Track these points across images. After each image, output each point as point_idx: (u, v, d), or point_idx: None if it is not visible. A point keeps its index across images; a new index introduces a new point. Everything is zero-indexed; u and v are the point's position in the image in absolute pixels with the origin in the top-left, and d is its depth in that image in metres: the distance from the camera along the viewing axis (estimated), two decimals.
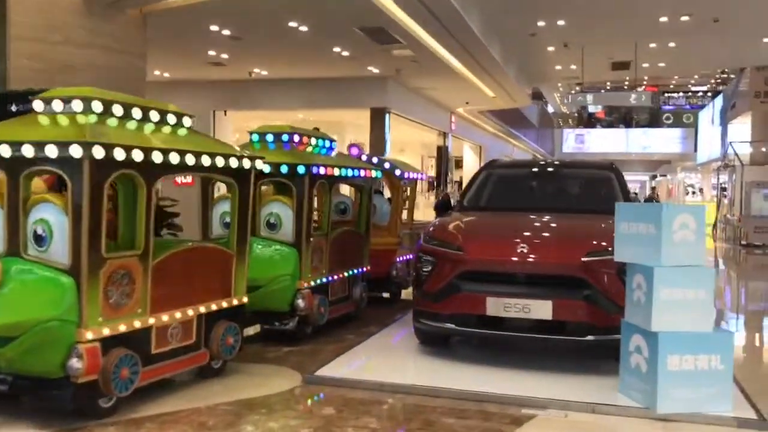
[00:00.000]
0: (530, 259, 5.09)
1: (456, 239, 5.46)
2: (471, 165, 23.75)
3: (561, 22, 11.29)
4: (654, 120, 44.32)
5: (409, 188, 9.20)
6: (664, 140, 41.26)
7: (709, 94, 39.59)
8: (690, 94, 46.10)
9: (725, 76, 30.86)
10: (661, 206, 4.40)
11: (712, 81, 37.21)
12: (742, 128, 25.89)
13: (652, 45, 12.78)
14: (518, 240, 5.22)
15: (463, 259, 5.23)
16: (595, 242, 5.08)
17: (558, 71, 14.75)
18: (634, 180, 63.47)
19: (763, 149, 23.10)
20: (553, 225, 5.70)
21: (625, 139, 42.68)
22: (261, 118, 9.82)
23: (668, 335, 4.19)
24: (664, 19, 10.91)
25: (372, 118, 13.68)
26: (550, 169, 7.29)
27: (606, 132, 43.87)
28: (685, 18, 10.81)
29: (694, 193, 37.03)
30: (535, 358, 5.50)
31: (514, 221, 5.83)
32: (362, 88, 13.58)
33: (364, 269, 7.34)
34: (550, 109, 48.83)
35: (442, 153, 18.42)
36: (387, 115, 13.70)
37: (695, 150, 36.36)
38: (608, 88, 49.61)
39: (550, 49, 13.42)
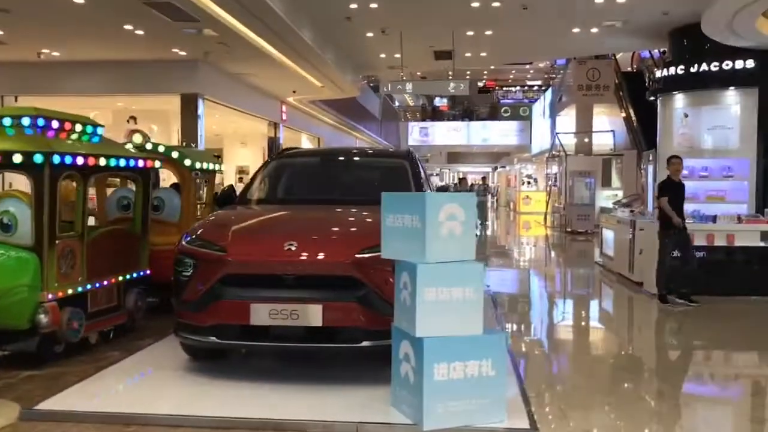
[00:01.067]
0: (298, 259, 4.48)
1: (220, 238, 4.73)
2: None
3: (373, 5, 10.84)
4: (494, 113, 45.92)
5: (206, 181, 8.36)
6: (502, 133, 42.73)
7: (543, 87, 41.47)
8: (526, 88, 48.28)
9: (557, 70, 32.36)
10: (425, 196, 3.91)
11: (545, 75, 39.16)
12: (568, 120, 27.28)
13: (470, 33, 12.68)
14: (287, 237, 4.59)
15: (225, 261, 4.54)
16: (370, 237, 4.53)
17: (383, 60, 14.38)
18: (478, 171, 66.13)
19: (586, 140, 24.33)
20: (330, 219, 5.11)
21: (467, 132, 43.78)
22: (69, 105, 8.52)
23: (434, 341, 3.72)
24: (476, 4, 10.75)
25: (183, 105, 12.61)
26: (341, 159, 6.74)
27: (449, 125, 44.81)
28: (496, 4, 10.71)
29: (530, 183, 38.65)
30: (321, 372, 4.90)
31: (288, 216, 5.21)
32: (170, 71, 12.49)
33: (143, 273, 6.45)
34: (397, 102, 49.41)
35: (271, 145, 17.60)
36: (200, 102, 12.70)
37: (530, 142, 38.03)
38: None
39: (369, 35, 12.98)
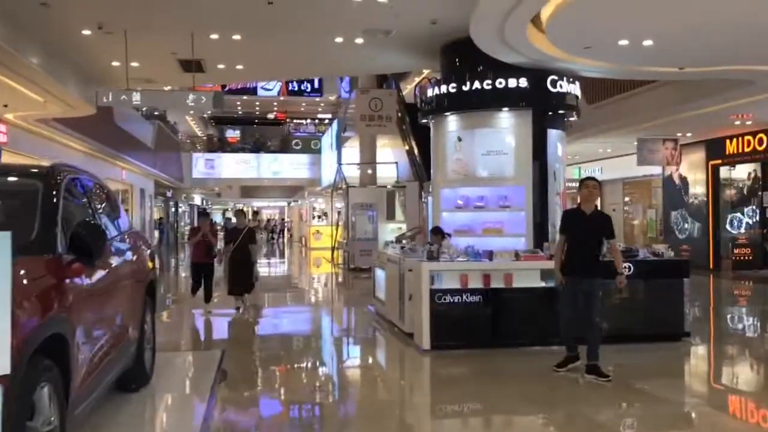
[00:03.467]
0: None
1: None
2: None
3: None
4: (285, 146, 44.20)
5: None
6: (293, 166, 41.11)
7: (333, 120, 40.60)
8: (317, 121, 47.23)
9: (344, 103, 31.35)
10: None
11: (336, 108, 38.29)
12: (354, 152, 26.15)
13: (214, 36, 10.49)
14: None
15: None
16: None
17: (119, 69, 11.72)
18: (273, 206, 63.99)
19: (369, 171, 23.14)
20: None
21: (257, 165, 41.57)
22: None
23: None
24: None
25: None
26: None
27: (237, 157, 42.21)
28: None
29: (320, 217, 37.21)
30: None
31: None
32: None
33: None
34: (180, 132, 45.88)
35: None
36: None
37: (321, 175, 36.68)
38: (240, 113, 48.85)
39: (86, 32, 10.32)
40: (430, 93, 10.81)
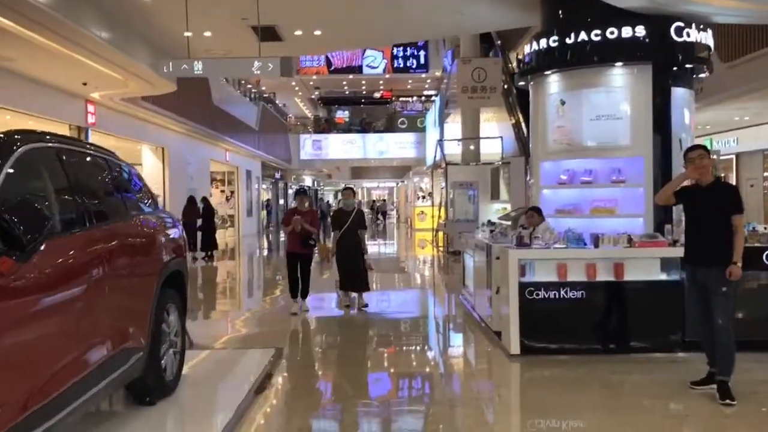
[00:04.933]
0: None
1: None
2: (152, 171, 19.40)
3: None
4: (391, 125, 43.26)
5: None
6: (399, 145, 40.18)
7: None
8: (424, 98, 45.92)
9: (447, 76, 29.92)
10: None
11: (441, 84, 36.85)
12: (456, 127, 24.65)
13: None
14: None
15: None
16: None
17: (194, 41, 10.92)
18: (383, 186, 63.45)
19: (472, 147, 21.61)
20: None
21: (363, 145, 40.96)
22: None
23: None
24: None
25: None
26: None
27: (343, 137, 41.73)
28: None
29: (424, 197, 36.02)
30: None
31: None
32: None
33: None
34: (291, 112, 46.08)
35: None
36: None
37: (426, 153, 35.51)
38: (347, 92, 48.41)
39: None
40: (527, 49, 9.25)
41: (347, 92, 48.23)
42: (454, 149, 23.14)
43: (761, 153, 21.39)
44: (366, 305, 9.54)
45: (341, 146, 41.11)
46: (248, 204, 31.02)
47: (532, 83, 9.61)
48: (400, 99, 46.41)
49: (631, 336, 6.55)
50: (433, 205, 27.08)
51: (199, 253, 18.20)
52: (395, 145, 40.45)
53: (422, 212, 33.94)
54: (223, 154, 27.23)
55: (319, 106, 52.19)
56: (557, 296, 6.48)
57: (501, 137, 21.16)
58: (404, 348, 7.75)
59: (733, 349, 5.18)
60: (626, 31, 8.40)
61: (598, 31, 8.48)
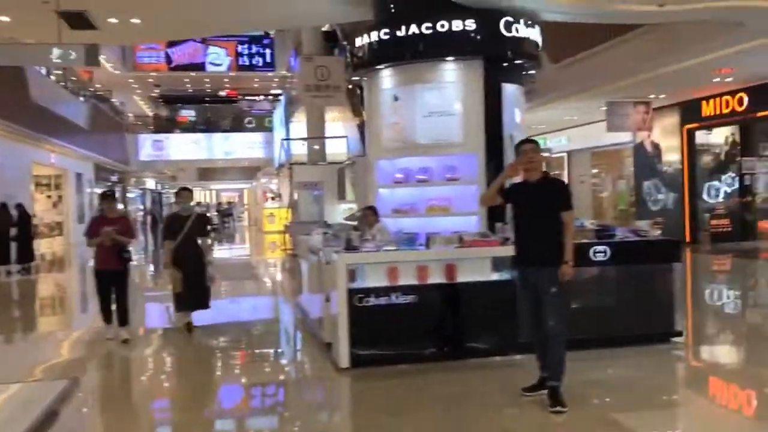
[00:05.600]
0: None
1: None
2: None
3: None
4: (238, 125, 41.84)
5: None
6: (247, 145, 38.98)
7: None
8: (272, 97, 44.87)
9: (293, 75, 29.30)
10: None
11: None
12: (302, 126, 24.08)
13: None
14: None
15: None
16: None
17: None
18: (232, 188, 61.55)
19: (316, 147, 21.12)
20: None
21: (208, 145, 39.32)
22: None
23: None
24: None
25: None
26: None
27: (187, 137, 39.79)
28: None
29: (273, 198, 35.15)
30: None
31: None
32: None
33: None
34: (131, 111, 43.36)
35: None
36: None
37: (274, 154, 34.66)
38: (190, 91, 46.33)
39: None
40: (359, 42, 8.84)
41: (191, 90, 46.13)
42: (301, 149, 22.55)
43: (589, 151, 22.65)
44: (194, 326, 8.19)
45: (185, 146, 39.24)
46: (79, 210, 28.60)
47: (365, 78, 9.23)
48: (247, 98, 45.05)
49: (466, 340, 6.26)
50: (286, 207, 26.30)
51: (15, 266, 16.28)
52: (243, 146, 39.26)
53: (271, 214, 33.06)
54: (48, 156, 24.83)
55: (160, 104, 49.56)
56: (388, 302, 6.06)
57: (347, 137, 20.84)
58: (225, 370, 7.01)
59: (564, 353, 4.98)
60: (457, 25, 8.21)
61: (429, 24, 8.23)
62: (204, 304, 8.23)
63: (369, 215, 7.67)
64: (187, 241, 8.03)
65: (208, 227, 8.56)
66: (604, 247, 6.42)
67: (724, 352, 7.07)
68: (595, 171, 23.32)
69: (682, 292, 10.54)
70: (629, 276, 6.56)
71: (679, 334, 6.64)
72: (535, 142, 5.22)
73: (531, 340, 5.31)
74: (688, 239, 17.46)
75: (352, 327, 6.01)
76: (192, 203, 8.63)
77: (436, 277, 6.20)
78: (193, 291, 8.05)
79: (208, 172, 51.90)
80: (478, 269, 6.30)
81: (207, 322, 8.40)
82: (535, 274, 5.02)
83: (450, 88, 8.53)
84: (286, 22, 15.40)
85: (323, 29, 21.80)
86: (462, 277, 6.24)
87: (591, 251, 6.40)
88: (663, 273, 6.61)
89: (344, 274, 6.03)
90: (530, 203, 5.08)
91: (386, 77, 8.78)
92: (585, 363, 5.81)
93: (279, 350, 7.74)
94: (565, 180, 24.04)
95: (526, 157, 5.05)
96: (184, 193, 8.44)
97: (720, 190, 17.76)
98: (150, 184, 50.46)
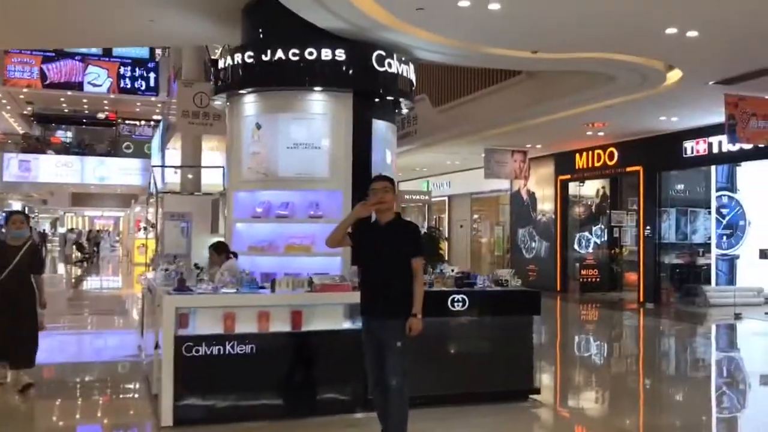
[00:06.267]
0: None
1: None
2: None
3: None
4: (115, 149, 39.68)
5: None
6: (123, 171, 36.82)
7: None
8: (153, 123, 43.03)
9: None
10: None
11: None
12: (178, 155, 22.96)
13: None
14: None
15: None
16: None
17: None
18: (108, 216, 58.35)
19: (190, 176, 20.05)
20: None
21: (80, 168, 36.89)
22: None
23: None
24: None
25: None
26: None
27: (57, 159, 37.19)
28: None
29: (146, 228, 33.25)
30: None
31: None
32: None
33: None
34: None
35: None
36: None
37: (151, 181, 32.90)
38: (66, 111, 43.72)
39: None
40: (221, 64, 8.20)
41: (66, 110, 43.51)
42: (176, 178, 21.39)
43: (469, 196, 22.85)
44: (31, 385, 6.61)
45: (55, 169, 36.63)
46: None
47: (228, 103, 8.56)
48: (127, 122, 42.95)
49: (309, 396, 5.63)
50: (154, 238, 24.82)
51: None
52: (119, 171, 37.08)
53: (143, 245, 31.20)
54: None
55: (33, 123, 46.40)
56: (222, 352, 5.34)
57: (223, 167, 19.92)
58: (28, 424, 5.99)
59: (406, 414, 4.46)
60: (326, 54, 7.73)
61: (297, 51, 7.69)
62: (27, 361, 6.64)
63: (212, 253, 6.95)
64: (17, 277, 6.57)
65: (42, 261, 7.32)
66: (462, 296, 6.02)
67: (585, 408, 6.81)
68: (475, 216, 23.55)
69: (544, 344, 10.42)
70: (487, 328, 6.19)
71: (537, 391, 6.30)
72: (389, 179, 4.76)
73: (373, 397, 4.74)
74: (558, 288, 17.72)
75: (178, 379, 5.24)
76: (26, 232, 6.99)
77: (280, 325, 5.56)
78: (17, 340, 6.54)
79: (82, 197, 48.94)
80: (328, 316, 5.72)
81: (40, 360, 7.22)
82: (379, 325, 4.50)
83: (317, 120, 8.01)
84: (148, 40, 14.52)
85: (209, 57, 20.97)
86: (309, 325, 5.63)
87: (449, 300, 5.99)
88: (522, 326, 6.28)
89: (172, 318, 5.27)
90: (377, 246, 4.59)
91: (249, 103, 8.15)
92: (437, 422, 5.31)
93: (101, 399, 6.75)
94: (446, 223, 24.14)
95: (377, 196, 4.57)
96: (16, 217, 7.01)
97: (590, 240, 18.23)
98: (16, 207, 46.89)
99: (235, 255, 7.44)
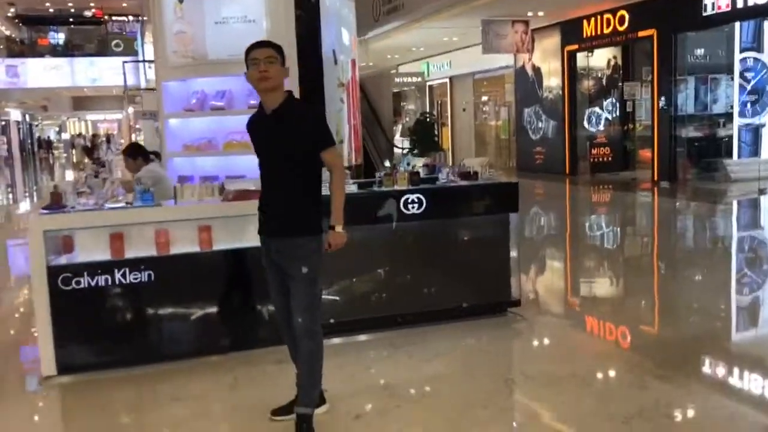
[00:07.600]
0: None
1: None
2: None
3: None
4: (103, 49, 37.87)
5: None
6: (114, 71, 35.19)
7: None
8: (141, 19, 40.86)
9: None
10: None
11: None
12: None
13: None
14: None
15: None
16: None
17: None
18: (111, 119, 57.02)
19: None
20: None
21: (70, 71, 35.43)
22: None
23: None
24: None
25: None
26: None
27: (46, 62, 35.66)
28: None
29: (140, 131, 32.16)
30: None
31: None
32: None
33: None
34: None
35: None
36: None
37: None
38: (51, 11, 41.56)
39: None
40: None
41: (51, 10, 41.39)
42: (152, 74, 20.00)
43: (471, 76, 21.19)
44: None
45: (44, 73, 35.25)
46: None
47: None
48: (114, 18, 40.84)
49: (226, 330, 4.60)
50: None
51: None
52: (110, 71, 35.49)
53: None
54: None
55: (19, 26, 44.46)
56: (110, 282, 4.28)
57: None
58: None
59: (318, 358, 3.39)
60: None
61: None
62: None
63: (126, 159, 5.78)
64: None
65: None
66: (418, 195, 4.83)
67: (575, 320, 5.74)
68: (482, 99, 21.95)
69: (542, 239, 9.32)
70: (451, 233, 5.04)
71: (516, 303, 5.21)
72: (274, 46, 3.47)
73: (283, 336, 3.66)
74: (567, 170, 16.47)
75: (57, 319, 4.21)
76: None
77: (184, 245, 4.46)
78: None
79: (83, 101, 47.73)
80: (246, 231, 4.60)
81: None
82: (278, 246, 3.36)
83: None
84: None
85: None
86: (221, 244, 4.53)
87: (402, 201, 4.82)
88: (495, 226, 5.11)
89: (42, 244, 4.18)
90: (266, 142, 3.39)
91: None
92: (384, 350, 4.29)
93: None
94: (448, 107, 22.58)
95: (257, 69, 3.31)
96: None
97: (601, 117, 16.76)
98: (15, 115, 45.80)
99: (157, 156, 6.27)
